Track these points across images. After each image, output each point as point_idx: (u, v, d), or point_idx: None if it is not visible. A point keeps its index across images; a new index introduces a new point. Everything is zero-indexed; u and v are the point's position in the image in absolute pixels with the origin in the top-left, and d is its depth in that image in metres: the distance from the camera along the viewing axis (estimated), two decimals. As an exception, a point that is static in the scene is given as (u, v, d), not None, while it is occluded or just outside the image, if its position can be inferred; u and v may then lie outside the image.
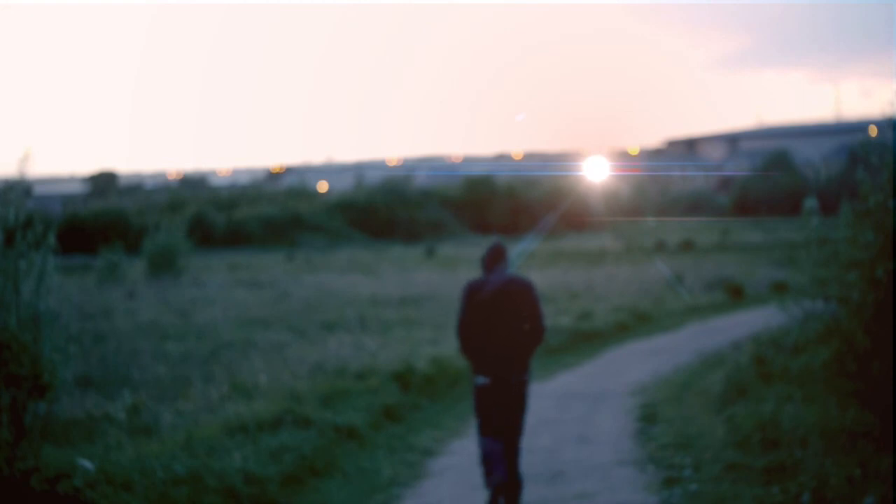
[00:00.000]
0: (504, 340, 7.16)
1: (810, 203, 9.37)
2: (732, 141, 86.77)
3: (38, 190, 65.17)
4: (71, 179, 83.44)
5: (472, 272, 27.34)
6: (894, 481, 6.90)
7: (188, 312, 20.68)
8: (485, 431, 7.27)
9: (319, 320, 18.71)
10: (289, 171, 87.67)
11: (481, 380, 7.25)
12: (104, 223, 44.90)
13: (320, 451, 8.97)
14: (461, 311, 7.25)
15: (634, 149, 79.53)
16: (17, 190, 8.06)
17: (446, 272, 29.48)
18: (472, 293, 7.23)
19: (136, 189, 75.60)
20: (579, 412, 11.57)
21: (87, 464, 7.30)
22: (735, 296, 23.38)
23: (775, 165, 58.24)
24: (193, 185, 78.15)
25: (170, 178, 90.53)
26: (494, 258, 7.30)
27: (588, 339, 17.59)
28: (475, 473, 8.86)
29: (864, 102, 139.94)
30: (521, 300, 7.19)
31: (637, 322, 19.62)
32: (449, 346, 15.09)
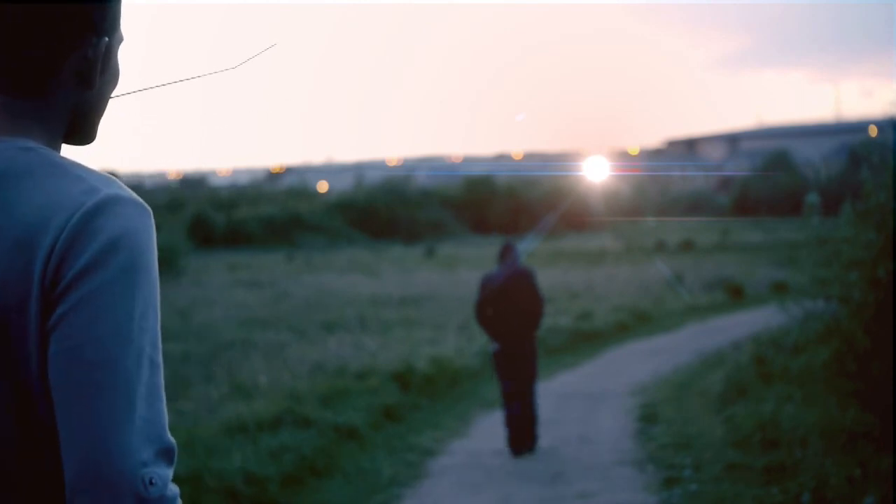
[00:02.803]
0: (511, 316, 9.27)
1: (812, 199, 9.33)
2: (732, 141, 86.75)
3: (38, 190, 65.08)
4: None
5: (472, 272, 27.33)
6: (894, 481, 6.89)
7: (188, 312, 20.67)
8: (502, 377, 9.42)
9: (319, 320, 18.70)
10: (289, 171, 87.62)
11: (494, 346, 9.42)
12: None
13: (320, 451, 8.97)
14: (478, 295, 9.40)
15: (634, 149, 79.49)
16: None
17: (446, 272, 29.47)
18: (486, 282, 9.41)
19: (135, 189, 75.42)
20: (579, 412, 11.57)
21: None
22: (735, 296, 23.36)
23: (775, 165, 58.18)
24: (193, 185, 78.11)
25: (170, 178, 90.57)
26: (504, 253, 9.46)
27: (588, 339, 17.58)
28: (475, 473, 8.87)
29: (865, 102, 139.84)
30: (524, 284, 9.29)
31: (637, 322, 19.62)
32: (449, 346, 15.09)
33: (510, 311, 9.31)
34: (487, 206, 54.34)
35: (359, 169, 71.62)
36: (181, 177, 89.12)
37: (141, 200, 1.49)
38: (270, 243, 46.59)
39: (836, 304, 9.05)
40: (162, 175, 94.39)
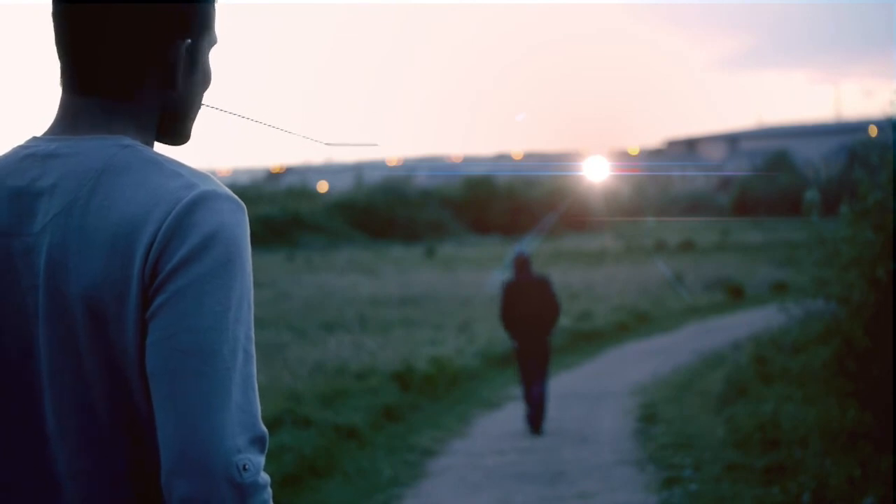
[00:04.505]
0: (525, 318, 10.52)
1: (811, 195, 9.22)
2: (732, 141, 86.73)
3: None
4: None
5: (472, 272, 27.32)
6: (894, 481, 6.89)
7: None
8: (521, 365, 10.65)
9: (319, 320, 18.70)
10: (289, 171, 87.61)
11: (513, 343, 10.73)
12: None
13: (320, 451, 8.97)
14: (501, 299, 10.68)
15: (634, 149, 79.44)
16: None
17: (446, 272, 29.46)
18: (507, 287, 10.66)
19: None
20: (579, 412, 11.57)
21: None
22: (735, 296, 23.36)
23: (775, 165, 58.18)
24: (193, 185, 77.81)
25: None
26: (518, 263, 10.69)
27: (588, 339, 17.58)
28: (475, 473, 8.87)
29: (865, 102, 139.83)
30: (540, 289, 10.61)
31: (637, 322, 19.61)
32: (449, 346, 15.09)
33: (525, 312, 10.51)
34: (487, 206, 54.28)
35: (359, 169, 71.56)
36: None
37: (236, 196, 1.56)
38: (270, 243, 46.54)
39: (836, 304, 9.04)
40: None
